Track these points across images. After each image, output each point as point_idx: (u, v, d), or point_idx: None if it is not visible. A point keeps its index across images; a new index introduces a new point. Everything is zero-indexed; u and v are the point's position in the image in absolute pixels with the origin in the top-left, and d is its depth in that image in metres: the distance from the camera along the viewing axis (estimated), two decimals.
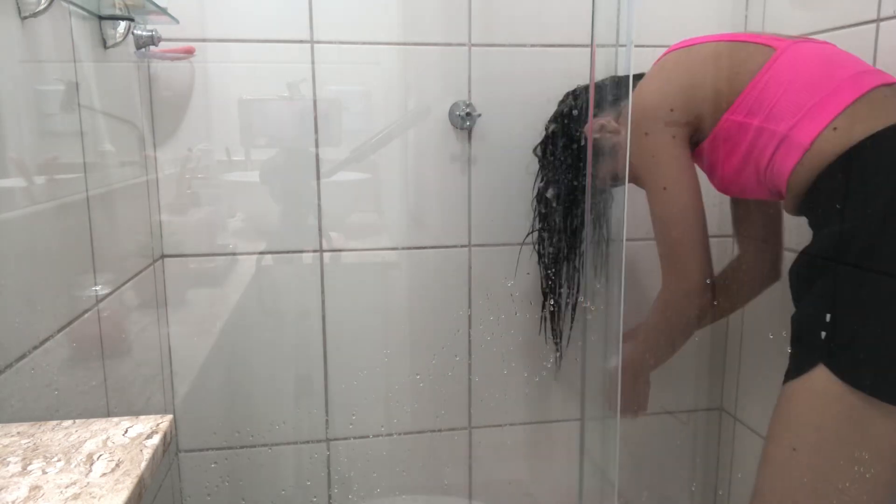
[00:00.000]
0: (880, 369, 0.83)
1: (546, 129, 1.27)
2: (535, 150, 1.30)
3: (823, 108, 0.88)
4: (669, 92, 1.01)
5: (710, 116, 0.98)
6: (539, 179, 1.31)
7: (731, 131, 0.96)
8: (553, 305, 1.36)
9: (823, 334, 0.87)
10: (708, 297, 1.05)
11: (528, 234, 1.34)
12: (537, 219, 1.32)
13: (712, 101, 0.98)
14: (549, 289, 1.35)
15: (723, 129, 0.97)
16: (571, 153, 1.23)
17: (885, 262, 0.84)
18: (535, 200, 1.32)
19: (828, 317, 0.87)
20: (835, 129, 0.87)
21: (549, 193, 1.29)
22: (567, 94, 1.25)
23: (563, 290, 1.35)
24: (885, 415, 0.83)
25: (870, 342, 0.84)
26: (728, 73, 0.97)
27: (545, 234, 1.32)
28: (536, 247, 1.34)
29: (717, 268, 1.10)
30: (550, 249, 1.32)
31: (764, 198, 1.05)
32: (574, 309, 1.37)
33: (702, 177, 1.04)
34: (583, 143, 1.19)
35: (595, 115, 1.12)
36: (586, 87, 1.23)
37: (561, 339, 1.39)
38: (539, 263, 1.35)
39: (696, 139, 1.02)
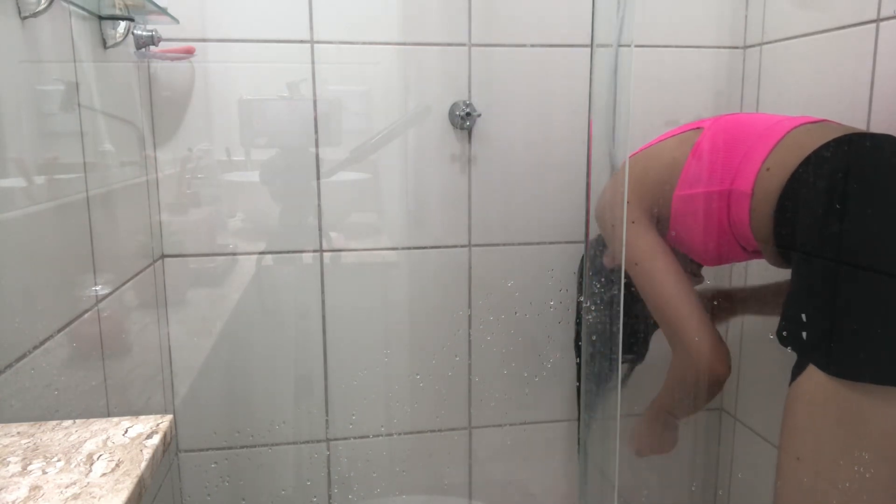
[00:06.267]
0: (866, 354, 0.84)
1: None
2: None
3: (752, 158, 0.98)
4: (625, 188, 1.11)
5: (664, 200, 1.07)
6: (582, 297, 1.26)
7: (683, 206, 1.06)
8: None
9: (805, 334, 0.90)
10: (719, 351, 1.04)
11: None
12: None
13: (661, 188, 1.07)
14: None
15: (677, 207, 1.06)
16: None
17: (849, 254, 0.87)
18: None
19: (804, 316, 0.91)
20: (768, 169, 0.95)
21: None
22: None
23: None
24: (881, 402, 0.83)
25: (849, 330, 0.86)
26: (669, 161, 1.08)
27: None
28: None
29: None
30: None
31: (745, 258, 1.11)
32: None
33: None
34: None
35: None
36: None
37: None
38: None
39: (661, 227, 1.09)
